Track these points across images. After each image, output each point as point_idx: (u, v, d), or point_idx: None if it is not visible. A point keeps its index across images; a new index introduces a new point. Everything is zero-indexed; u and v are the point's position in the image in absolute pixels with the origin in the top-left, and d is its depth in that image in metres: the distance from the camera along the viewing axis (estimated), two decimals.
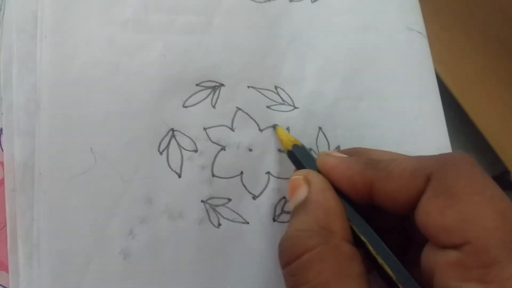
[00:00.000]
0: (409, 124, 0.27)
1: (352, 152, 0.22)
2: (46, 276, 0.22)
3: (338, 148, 0.26)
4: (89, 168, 0.23)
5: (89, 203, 0.23)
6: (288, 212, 0.25)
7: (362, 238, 0.19)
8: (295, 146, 0.23)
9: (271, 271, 0.24)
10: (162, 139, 0.24)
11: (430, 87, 0.28)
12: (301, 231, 0.18)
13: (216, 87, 0.26)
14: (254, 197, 0.25)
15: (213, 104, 0.25)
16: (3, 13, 0.25)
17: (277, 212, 0.25)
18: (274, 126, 0.26)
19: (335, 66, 0.27)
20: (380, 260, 0.18)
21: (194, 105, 0.25)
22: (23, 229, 0.22)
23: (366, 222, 0.20)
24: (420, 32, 0.28)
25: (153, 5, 0.26)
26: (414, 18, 0.29)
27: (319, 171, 0.21)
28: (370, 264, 0.19)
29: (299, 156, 0.23)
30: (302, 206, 0.19)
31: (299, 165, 0.23)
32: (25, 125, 0.23)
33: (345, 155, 0.21)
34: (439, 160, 0.18)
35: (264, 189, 0.25)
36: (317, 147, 0.26)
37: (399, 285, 0.18)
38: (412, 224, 0.19)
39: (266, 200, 0.25)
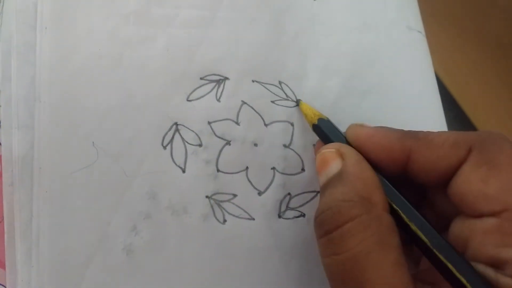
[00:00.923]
0: (410, 122, 0.27)
1: (389, 129, 0.22)
2: (47, 274, 0.21)
3: None
4: (91, 163, 0.23)
5: (91, 199, 0.22)
6: (293, 209, 0.25)
7: (395, 207, 0.19)
8: (321, 119, 0.23)
9: (276, 268, 0.24)
10: (166, 133, 0.24)
11: (429, 86, 0.28)
12: (342, 201, 0.18)
13: (220, 81, 0.25)
14: (260, 193, 0.24)
15: (218, 97, 0.25)
16: (3, 4, 0.24)
17: (282, 209, 0.25)
18: (298, 101, 0.25)
19: (337, 64, 0.27)
20: (413, 227, 0.19)
21: (198, 98, 0.25)
22: (21, 225, 0.22)
23: (398, 192, 0.20)
24: (419, 32, 0.29)
25: None
26: (413, 17, 0.29)
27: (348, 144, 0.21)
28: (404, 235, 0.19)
29: (325, 130, 0.23)
30: (337, 178, 0.19)
31: (326, 139, 0.23)
32: (24, 118, 0.23)
33: (378, 126, 0.21)
34: (480, 135, 0.19)
35: (270, 184, 0.25)
36: None
37: (434, 250, 0.18)
38: (437, 201, 0.20)
39: (272, 196, 0.25)
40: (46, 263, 0.21)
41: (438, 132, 0.20)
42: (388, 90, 0.27)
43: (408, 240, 0.19)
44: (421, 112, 0.27)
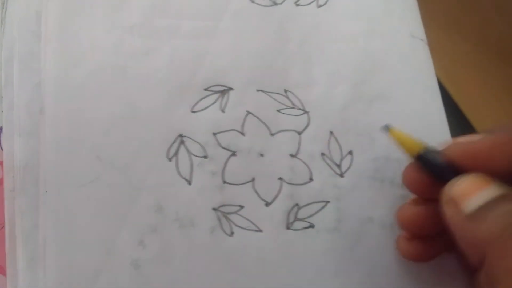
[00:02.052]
0: (416, 128, 0.27)
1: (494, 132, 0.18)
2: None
3: (350, 152, 0.26)
4: (97, 177, 0.23)
5: (97, 213, 0.22)
6: (301, 219, 0.24)
7: None
8: (427, 149, 0.19)
9: (285, 280, 0.23)
10: (171, 146, 0.24)
11: (433, 93, 0.28)
12: None
13: (224, 91, 0.25)
14: (267, 204, 0.24)
15: (222, 108, 0.25)
16: (6, 10, 0.25)
17: (290, 220, 0.24)
18: (386, 127, 0.22)
19: (343, 71, 0.27)
20: None
21: (202, 110, 0.25)
22: (23, 231, 0.22)
23: None
24: (422, 39, 0.28)
25: (159, 10, 0.25)
26: (416, 25, 0.29)
27: None
28: None
29: (434, 162, 0.19)
30: (501, 199, 0.16)
31: (438, 171, 0.19)
32: (26, 125, 0.23)
33: (481, 135, 0.18)
34: None
35: (277, 195, 0.24)
36: (329, 151, 0.25)
37: None
38: None
39: (279, 207, 0.24)
40: (53, 277, 0.21)
41: None
42: (395, 96, 0.27)
43: None
44: (425, 117, 0.27)
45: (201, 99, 0.25)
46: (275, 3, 0.27)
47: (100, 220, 0.22)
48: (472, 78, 0.38)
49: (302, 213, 0.24)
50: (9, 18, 0.24)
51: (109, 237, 0.22)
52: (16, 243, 0.22)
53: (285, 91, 0.26)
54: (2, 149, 0.23)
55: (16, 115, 0.23)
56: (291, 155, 0.25)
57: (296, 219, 0.24)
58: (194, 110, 0.24)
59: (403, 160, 0.26)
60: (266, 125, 0.25)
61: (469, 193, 0.16)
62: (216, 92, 0.25)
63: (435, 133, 0.27)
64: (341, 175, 0.25)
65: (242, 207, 0.24)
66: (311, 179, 0.25)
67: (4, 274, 0.22)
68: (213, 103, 0.25)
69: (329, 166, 0.25)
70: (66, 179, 0.22)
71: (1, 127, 0.23)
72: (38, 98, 0.23)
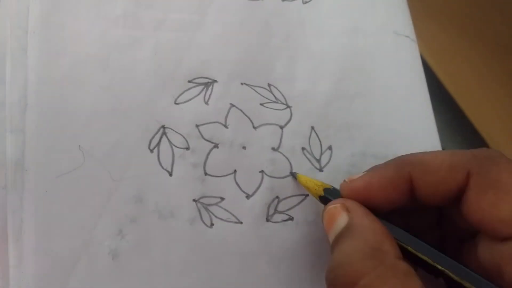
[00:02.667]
0: (398, 125, 0.27)
1: (382, 163, 0.21)
2: (32, 277, 0.21)
3: (330, 147, 0.26)
4: (77, 166, 0.22)
5: (77, 202, 0.22)
6: (281, 212, 0.25)
7: (421, 256, 0.19)
8: (327, 189, 0.22)
9: (264, 272, 0.24)
10: (153, 137, 0.24)
11: (418, 90, 0.28)
12: (352, 256, 0.18)
13: (209, 84, 0.25)
14: (248, 196, 0.24)
15: (206, 100, 0.25)
16: None
17: (270, 212, 0.24)
18: (294, 175, 0.25)
19: (327, 67, 0.27)
20: (441, 268, 0.18)
21: (186, 101, 0.25)
22: (14, 229, 0.21)
23: (421, 240, 0.19)
24: (407, 36, 0.29)
25: (145, 2, 0.25)
26: (402, 22, 0.29)
27: None
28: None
29: (333, 198, 0.22)
30: (346, 232, 0.19)
31: None
32: (17, 122, 0.23)
33: (364, 172, 0.21)
34: (476, 156, 0.19)
35: (258, 188, 0.25)
36: (309, 146, 0.26)
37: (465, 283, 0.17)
38: (450, 218, 0.20)
39: (260, 200, 0.24)
40: (32, 265, 0.21)
41: (433, 153, 0.20)
42: (376, 93, 0.27)
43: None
44: (409, 115, 0.27)
45: (185, 91, 0.25)
46: None
47: (79, 209, 0.22)
48: (471, 75, 0.39)
49: (282, 206, 0.25)
50: (1, 14, 0.24)
51: (88, 226, 0.22)
52: (8, 240, 0.21)
53: (269, 85, 0.26)
54: None
55: (8, 112, 0.23)
56: (273, 149, 0.25)
57: (276, 211, 0.25)
58: (178, 101, 0.24)
59: (379, 157, 0.27)
60: (249, 118, 0.25)
61: (328, 226, 0.20)
62: (200, 84, 0.25)
63: (420, 130, 0.27)
64: (320, 170, 0.26)
65: (222, 199, 0.24)
66: (291, 173, 0.25)
67: None
68: (197, 95, 0.25)
69: (309, 160, 0.26)
70: (47, 169, 0.22)
71: None
72: (26, 93, 0.23)
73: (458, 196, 0.19)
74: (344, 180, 0.21)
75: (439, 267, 0.18)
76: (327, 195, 0.22)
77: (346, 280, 0.17)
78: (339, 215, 0.19)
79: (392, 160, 0.21)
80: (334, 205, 0.20)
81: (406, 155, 0.20)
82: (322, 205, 0.25)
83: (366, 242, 0.18)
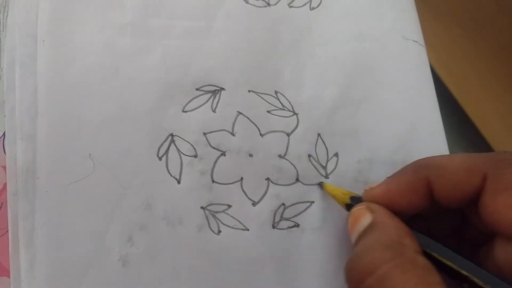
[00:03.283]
0: (406, 131, 0.27)
1: (400, 169, 0.22)
2: (44, 283, 0.21)
3: (336, 154, 0.26)
4: (88, 174, 0.23)
5: (88, 210, 0.23)
6: (287, 219, 0.25)
7: (445, 261, 0.19)
8: (353, 198, 0.23)
9: (271, 278, 0.24)
10: (161, 145, 0.24)
11: (427, 95, 0.28)
12: (372, 246, 0.18)
13: (216, 91, 0.25)
14: (254, 203, 0.25)
15: (213, 108, 0.25)
16: (7, 15, 0.24)
17: (277, 219, 0.25)
18: (321, 184, 0.25)
19: (334, 73, 0.27)
20: (466, 273, 0.18)
21: (194, 109, 0.25)
22: (25, 234, 0.22)
23: (444, 245, 0.19)
24: (416, 41, 0.29)
25: (152, 9, 0.25)
26: (411, 27, 0.29)
27: None
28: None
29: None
30: (369, 229, 0.19)
31: None
32: (27, 129, 0.23)
33: (384, 180, 0.21)
34: (492, 158, 0.19)
35: (264, 195, 0.25)
36: (316, 153, 0.26)
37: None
38: (468, 221, 0.20)
39: (266, 207, 0.25)
40: (44, 272, 0.22)
41: (450, 156, 0.20)
42: (383, 99, 0.27)
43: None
44: (417, 121, 0.27)
45: (193, 98, 0.25)
46: (268, 4, 0.27)
47: (90, 217, 0.22)
48: (474, 75, 0.39)
49: (288, 213, 0.25)
50: (10, 22, 0.24)
51: (98, 233, 0.22)
52: (19, 246, 0.22)
53: (276, 92, 0.26)
54: (5, 153, 0.23)
55: (18, 119, 0.23)
56: (279, 156, 0.26)
57: (282, 218, 0.25)
58: (185, 109, 0.25)
59: (387, 164, 0.27)
60: (256, 125, 0.26)
61: (352, 226, 0.20)
62: (207, 92, 0.25)
63: (428, 135, 0.28)
64: (326, 177, 0.26)
65: (229, 206, 0.24)
66: (297, 180, 0.25)
67: (9, 276, 0.22)
68: (205, 103, 0.25)
69: (315, 167, 0.26)
70: (58, 177, 0.22)
71: (4, 132, 0.23)
72: (36, 101, 0.23)
73: (475, 199, 0.19)
74: (365, 189, 0.22)
75: (464, 272, 0.18)
76: (353, 203, 0.22)
77: (364, 268, 0.17)
78: (363, 216, 0.20)
79: (409, 165, 0.21)
80: (359, 207, 0.21)
81: (423, 159, 0.21)
82: (328, 213, 0.25)
83: (388, 235, 0.18)
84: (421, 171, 0.20)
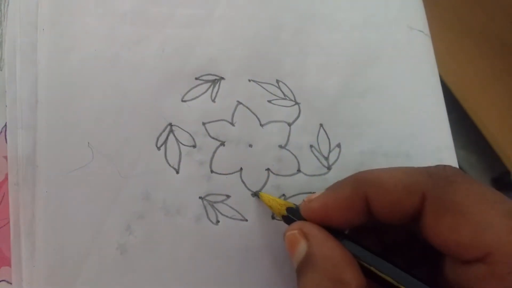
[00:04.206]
0: (410, 122, 0.27)
1: (339, 182, 0.21)
2: (44, 271, 0.22)
3: (339, 145, 0.26)
4: (87, 163, 0.23)
5: (86, 198, 0.23)
6: (255, 195, 0.24)
7: (384, 277, 0.18)
8: (290, 208, 0.22)
9: (269, 269, 0.24)
10: (160, 134, 0.24)
11: (432, 86, 0.27)
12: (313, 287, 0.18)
13: (216, 81, 0.25)
14: (253, 194, 0.24)
15: (213, 98, 0.25)
16: (8, 4, 0.25)
17: None
18: (256, 194, 0.24)
19: (338, 62, 0.26)
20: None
21: (193, 99, 0.25)
22: (25, 224, 0.22)
23: (383, 258, 0.19)
24: (421, 31, 0.28)
25: None
26: (416, 16, 0.28)
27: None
28: None
29: (296, 218, 0.21)
30: (306, 262, 0.19)
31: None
32: (28, 119, 0.23)
33: (321, 192, 0.21)
34: (431, 175, 0.18)
35: (264, 186, 0.25)
36: (318, 144, 0.26)
37: None
38: (417, 236, 0.19)
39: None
40: (43, 260, 0.22)
41: (390, 172, 0.19)
42: (388, 89, 0.27)
43: None
44: (422, 111, 0.27)
45: (192, 88, 0.25)
46: None
47: (89, 205, 0.23)
48: (475, 74, 0.38)
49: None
50: (11, 11, 0.24)
51: (97, 222, 0.23)
52: (20, 236, 0.22)
53: (277, 81, 0.26)
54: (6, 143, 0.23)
55: (19, 108, 0.23)
56: (280, 146, 0.25)
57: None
58: (185, 99, 0.25)
59: (390, 156, 0.26)
60: (256, 115, 0.25)
61: (291, 247, 0.20)
62: (207, 81, 0.25)
63: (432, 127, 0.27)
64: (328, 168, 0.25)
65: (228, 196, 0.24)
66: (299, 171, 0.25)
67: (10, 265, 0.22)
68: (204, 92, 0.25)
69: (317, 158, 0.25)
70: (57, 165, 0.23)
71: (5, 122, 0.23)
72: (36, 90, 0.23)
73: (415, 217, 0.18)
74: (303, 200, 0.21)
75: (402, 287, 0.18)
76: (290, 215, 0.22)
77: None
78: (298, 243, 0.19)
79: (349, 177, 0.20)
80: (292, 232, 0.20)
81: (363, 172, 0.20)
82: None
83: (327, 274, 0.18)
84: (360, 187, 0.19)
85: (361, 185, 0.19)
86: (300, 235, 0.19)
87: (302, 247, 0.19)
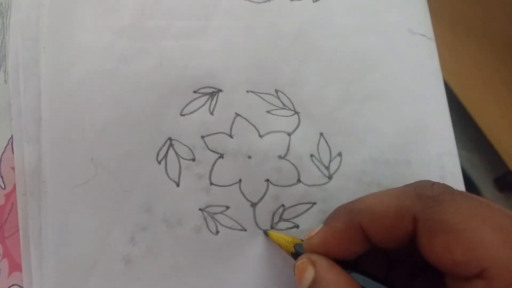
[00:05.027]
0: (411, 129, 0.26)
1: (334, 214, 0.22)
2: (53, 281, 0.23)
3: (340, 154, 0.26)
4: (90, 178, 0.24)
5: (91, 212, 0.24)
6: (286, 220, 0.25)
7: None
8: (298, 245, 0.23)
9: (268, 279, 0.24)
10: (160, 149, 0.25)
11: (435, 91, 0.26)
12: None
13: (214, 93, 0.25)
14: (253, 205, 0.25)
15: (211, 111, 0.25)
16: (9, 18, 0.25)
17: (275, 220, 0.25)
18: (265, 232, 0.25)
19: (337, 69, 0.26)
20: None
21: (191, 113, 0.25)
22: (33, 233, 0.24)
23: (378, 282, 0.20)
24: (423, 35, 0.26)
25: (150, 11, 0.25)
26: (419, 20, 0.27)
27: None
28: None
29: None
30: (312, 285, 0.20)
31: None
32: (32, 132, 0.24)
33: (320, 227, 0.21)
34: (419, 196, 0.18)
35: (263, 196, 0.25)
36: (318, 153, 0.26)
37: None
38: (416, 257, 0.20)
39: (265, 208, 0.25)
40: (52, 270, 0.23)
41: (380, 197, 0.19)
42: (389, 96, 0.26)
43: None
44: (424, 117, 0.26)
45: (190, 101, 0.25)
46: None
47: (94, 218, 0.24)
48: (476, 74, 0.36)
49: (287, 214, 0.25)
50: (13, 25, 0.25)
51: (102, 234, 0.24)
52: (29, 243, 0.24)
53: (276, 91, 0.26)
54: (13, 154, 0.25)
55: (24, 122, 0.24)
56: (279, 157, 0.25)
57: (281, 219, 0.25)
58: (183, 113, 0.25)
59: (391, 163, 0.26)
60: (255, 126, 0.25)
61: (300, 275, 0.20)
62: (205, 94, 0.25)
63: (436, 133, 0.26)
64: (329, 177, 0.25)
65: (228, 207, 0.25)
66: (299, 181, 0.25)
67: (21, 270, 0.24)
68: (202, 105, 0.25)
69: (318, 167, 0.25)
70: (62, 180, 0.24)
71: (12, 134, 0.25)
72: (39, 105, 0.24)
73: (411, 238, 0.19)
74: (304, 238, 0.22)
75: None
76: (298, 250, 0.22)
77: None
78: (306, 270, 0.20)
79: (341, 208, 0.21)
80: (302, 260, 0.21)
81: (354, 201, 0.21)
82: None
83: None
84: (354, 218, 0.20)
85: (354, 216, 0.20)
86: (308, 263, 0.20)
87: (309, 273, 0.20)
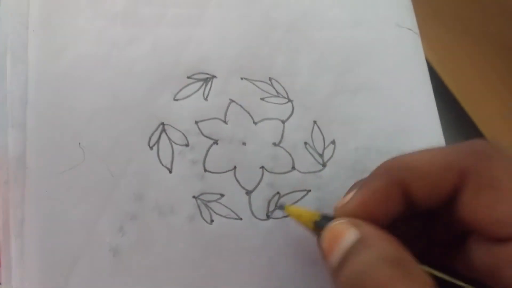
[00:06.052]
0: (402, 119, 0.27)
1: (370, 176, 0.20)
2: (35, 272, 0.21)
3: (333, 142, 0.26)
4: (78, 164, 0.23)
5: (78, 199, 0.22)
6: (281, 208, 0.24)
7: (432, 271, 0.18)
8: (324, 215, 0.20)
9: (264, 268, 0.23)
10: (153, 134, 0.24)
11: (421, 83, 0.27)
12: (375, 264, 0.16)
13: (208, 79, 0.25)
14: (248, 192, 0.24)
15: (205, 96, 0.25)
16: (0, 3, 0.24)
17: (271, 208, 0.24)
18: (282, 207, 0.23)
19: (329, 60, 0.26)
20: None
21: (185, 98, 0.24)
22: (15, 223, 0.22)
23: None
24: (410, 29, 0.28)
25: None
26: (404, 15, 0.29)
27: None
28: None
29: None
30: (359, 245, 0.17)
31: None
32: (18, 117, 0.23)
33: (353, 192, 0.19)
34: (471, 152, 0.17)
35: (258, 184, 0.24)
36: (312, 141, 0.25)
37: None
38: (440, 221, 0.19)
39: (260, 196, 0.24)
40: (34, 262, 0.22)
41: (423, 154, 0.18)
42: (379, 86, 0.27)
43: None
44: (412, 108, 0.27)
45: (184, 87, 0.25)
46: None
47: (80, 206, 0.22)
48: (473, 72, 0.38)
49: (283, 202, 0.24)
50: (3, 11, 0.24)
51: (89, 223, 0.22)
52: (10, 234, 0.22)
53: (270, 79, 0.26)
54: None
55: (9, 107, 0.23)
56: (274, 144, 0.25)
57: (276, 207, 0.24)
58: (177, 98, 0.24)
59: (383, 152, 0.26)
60: (249, 113, 0.25)
61: (332, 244, 0.18)
62: (199, 80, 0.25)
63: (423, 123, 0.27)
64: (323, 165, 0.25)
65: (222, 195, 0.24)
66: (293, 168, 0.25)
67: None
68: (196, 91, 0.25)
69: (312, 155, 0.25)
70: (48, 166, 0.22)
71: None
72: (26, 90, 0.23)
73: (454, 197, 0.18)
74: (336, 207, 0.19)
75: (459, 282, 0.17)
76: (325, 222, 0.19)
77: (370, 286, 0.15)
78: (347, 231, 0.17)
79: (379, 168, 0.19)
80: (340, 221, 0.18)
81: (393, 159, 0.19)
82: (325, 202, 0.25)
83: (386, 251, 0.16)
84: (394, 175, 0.18)
85: (395, 172, 0.18)
86: (348, 223, 0.18)
87: (352, 234, 0.17)
